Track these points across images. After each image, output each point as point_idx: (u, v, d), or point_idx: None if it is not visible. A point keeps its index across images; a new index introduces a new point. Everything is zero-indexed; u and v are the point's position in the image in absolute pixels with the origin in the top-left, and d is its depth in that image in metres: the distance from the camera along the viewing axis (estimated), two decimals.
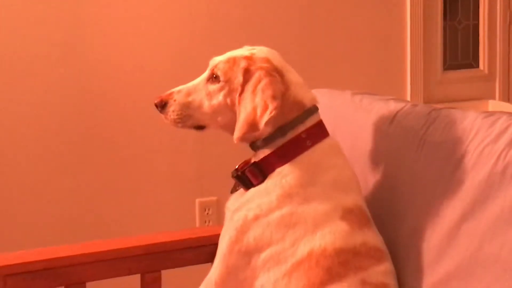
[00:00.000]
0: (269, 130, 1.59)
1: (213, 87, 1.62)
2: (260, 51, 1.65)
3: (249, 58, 1.62)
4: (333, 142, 1.65)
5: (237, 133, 1.58)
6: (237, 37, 2.80)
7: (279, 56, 1.66)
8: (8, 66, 2.80)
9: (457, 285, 1.50)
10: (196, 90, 1.66)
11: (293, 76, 1.64)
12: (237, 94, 1.60)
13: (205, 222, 3.05)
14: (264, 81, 1.57)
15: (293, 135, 1.59)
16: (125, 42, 2.96)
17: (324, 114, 1.67)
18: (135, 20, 2.96)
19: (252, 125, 1.57)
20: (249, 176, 1.62)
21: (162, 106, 1.66)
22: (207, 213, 3.07)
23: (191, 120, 1.67)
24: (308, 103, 1.62)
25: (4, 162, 2.84)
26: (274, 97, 1.55)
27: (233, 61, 1.63)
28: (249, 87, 1.59)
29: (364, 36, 3.37)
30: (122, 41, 2.97)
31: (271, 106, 1.54)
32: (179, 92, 1.67)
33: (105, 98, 2.92)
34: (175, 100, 1.65)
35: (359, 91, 2.02)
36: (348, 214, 1.57)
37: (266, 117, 1.54)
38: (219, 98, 1.62)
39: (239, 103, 1.60)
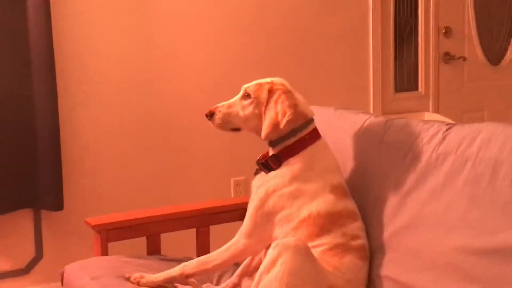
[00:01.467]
0: (285, 131, 1.86)
1: (246, 102, 1.90)
2: (276, 79, 1.93)
3: (270, 83, 1.90)
4: (323, 141, 1.92)
5: (265, 131, 1.85)
6: (254, 72, 3.14)
7: (288, 83, 1.93)
8: (114, 90, 3.19)
9: (405, 234, 1.76)
10: (234, 104, 1.92)
11: (298, 96, 1.91)
12: (263, 106, 1.87)
13: (237, 194, 3.44)
14: (283, 96, 1.85)
15: (300, 136, 1.87)
16: (185, 75, 3.37)
17: (317, 123, 1.94)
18: (191, 62, 3.37)
19: (275, 125, 1.83)
20: (270, 163, 1.88)
21: (210, 115, 1.92)
22: (239, 188, 3.47)
23: (230, 124, 1.93)
24: (309, 114, 1.91)
25: (109, 153, 3.22)
26: (290, 107, 1.83)
27: (260, 84, 1.91)
28: (272, 100, 1.86)
29: (340, 67, 3.76)
30: (183, 74, 3.35)
31: (289, 112, 1.82)
32: (222, 106, 1.93)
33: (170, 110, 3.34)
34: (219, 111, 1.91)
35: (338, 107, 2.30)
36: (334, 189, 1.83)
37: (285, 119, 1.82)
38: (250, 109, 1.90)
39: (264, 112, 1.86)
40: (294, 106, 1.87)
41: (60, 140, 2.99)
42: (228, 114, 1.93)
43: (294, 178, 1.85)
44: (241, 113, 1.93)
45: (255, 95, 1.91)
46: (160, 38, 3.30)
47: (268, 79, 1.95)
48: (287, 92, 1.89)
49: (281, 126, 1.84)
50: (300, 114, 1.89)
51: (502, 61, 4.41)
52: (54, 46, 2.98)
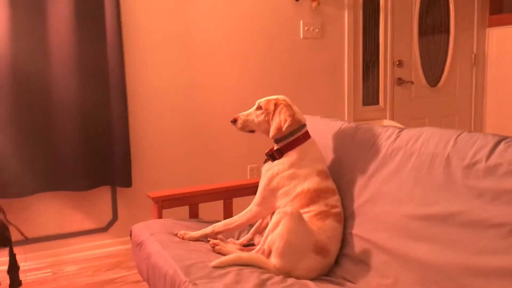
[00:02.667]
0: (286, 132, 1.85)
1: (259, 112, 1.90)
2: (281, 96, 1.92)
3: (276, 99, 1.89)
4: (313, 140, 1.92)
5: (272, 132, 1.85)
6: (265, 91, 3.22)
7: (289, 99, 1.93)
8: (168, 101, 3.15)
9: (369, 205, 1.75)
10: (250, 114, 1.92)
11: (295, 108, 1.90)
12: (271, 115, 1.87)
13: (252, 176, 3.42)
14: (285, 109, 1.85)
15: (296, 136, 1.87)
16: (217, 91, 3.32)
17: (308, 127, 1.94)
18: (221, 82, 3.32)
19: (279, 129, 1.84)
20: (275, 155, 1.88)
21: (234, 121, 1.92)
22: (253, 172, 3.43)
23: (248, 128, 1.92)
24: (302, 121, 1.90)
25: (163, 147, 3.19)
26: (289, 115, 1.83)
27: (268, 100, 1.91)
28: (277, 111, 1.86)
29: (324, 88, 3.68)
30: (215, 90, 3.32)
31: (288, 119, 1.83)
32: (242, 115, 1.93)
33: (206, 116, 3.29)
34: (240, 118, 1.92)
35: (323, 116, 2.28)
36: (319, 173, 1.83)
37: (286, 124, 1.82)
38: (262, 117, 1.89)
39: (271, 119, 1.86)
40: (292, 115, 1.85)
41: (129, 137, 3.01)
42: (246, 120, 1.93)
43: (292, 165, 1.84)
44: (256, 120, 1.92)
45: (265, 107, 1.90)
46: (201, 66, 3.29)
47: (275, 96, 1.94)
48: (287, 106, 1.88)
49: (283, 129, 1.83)
50: (296, 120, 1.88)
51: (438, 84, 4.40)
52: (125, 72, 3.01)
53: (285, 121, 1.83)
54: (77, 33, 2.77)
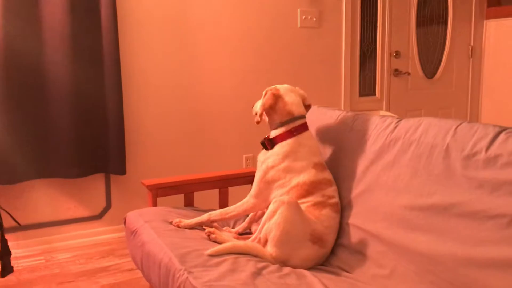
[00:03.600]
0: (275, 121, 1.82)
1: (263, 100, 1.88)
2: (282, 86, 1.87)
3: (271, 89, 1.86)
4: (309, 133, 1.86)
5: (255, 120, 1.85)
6: (264, 81, 3.19)
7: (288, 88, 1.85)
8: (163, 88, 3.00)
9: (366, 195, 1.73)
10: (258, 103, 1.92)
11: (289, 99, 1.82)
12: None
13: (247, 165, 3.41)
14: (265, 98, 1.83)
15: (287, 128, 1.81)
16: (213, 81, 3.27)
17: (306, 116, 1.90)
18: (217, 72, 3.25)
19: (255, 116, 1.86)
20: (266, 144, 1.85)
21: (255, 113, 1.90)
22: (248, 162, 3.42)
23: (256, 116, 1.87)
24: (296, 113, 1.82)
25: (158, 135, 3.16)
26: (263, 105, 1.82)
27: (267, 89, 1.89)
28: (262, 98, 1.87)
29: (323, 78, 3.68)
30: (212, 81, 3.28)
31: (261, 109, 1.83)
32: (255, 105, 1.94)
33: (202, 105, 3.22)
34: (253, 109, 1.93)
35: (321, 106, 2.23)
36: (315, 166, 1.79)
37: (258, 114, 1.83)
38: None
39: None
40: (270, 106, 1.81)
41: (124, 125, 2.98)
42: (255, 108, 1.94)
43: (285, 157, 1.80)
44: (259, 109, 1.90)
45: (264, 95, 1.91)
46: (198, 55, 3.26)
47: (275, 86, 1.90)
48: (274, 95, 1.83)
49: (257, 118, 1.83)
50: (286, 112, 1.83)
51: (435, 76, 4.40)
52: (121, 57, 2.97)
53: (260, 110, 1.83)
54: (71, 16, 2.73)
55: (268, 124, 1.90)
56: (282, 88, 1.89)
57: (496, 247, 1.27)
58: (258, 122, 1.85)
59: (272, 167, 1.80)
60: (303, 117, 1.87)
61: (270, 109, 1.83)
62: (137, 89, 3.11)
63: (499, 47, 4.41)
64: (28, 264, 2.74)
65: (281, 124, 1.83)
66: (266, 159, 1.84)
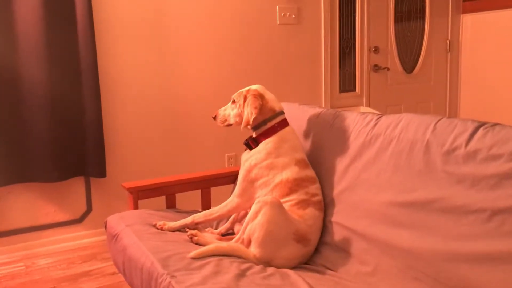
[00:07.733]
0: (259, 121, 1.83)
1: (233, 106, 1.90)
2: (254, 86, 1.89)
3: (247, 91, 1.86)
4: (290, 128, 1.88)
5: (242, 125, 1.84)
6: (243, 80, 3.20)
7: (262, 87, 1.89)
8: (141, 90, 2.92)
9: (348, 193, 1.73)
10: (227, 108, 1.93)
11: (268, 96, 1.86)
12: (242, 108, 1.85)
13: (230, 165, 3.40)
14: (252, 101, 1.81)
15: (270, 125, 1.83)
16: (192, 80, 3.23)
17: (287, 114, 1.92)
18: (195, 72, 3.20)
19: (247, 122, 1.82)
20: (250, 143, 1.86)
21: (214, 117, 1.95)
22: (231, 161, 3.41)
23: (226, 122, 1.93)
24: (277, 109, 1.86)
25: (138, 137, 3.14)
26: (255, 107, 1.80)
27: (240, 92, 1.88)
28: (245, 104, 1.84)
29: (303, 75, 3.66)
30: (190, 80, 3.23)
31: (254, 112, 1.80)
32: (221, 110, 1.94)
33: (181, 105, 3.16)
34: (219, 114, 1.94)
35: (301, 103, 2.24)
36: (298, 162, 1.79)
37: (252, 117, 1.80)
38: (235, 111, 1.89)
39: (242, 112, 1.85)
40: (260, 106, 1.82)
41: (102, 128, 2.94)
42: (224, 115, 1.95)
43: (269, 154, 1.81)
44: (231, 114, 1.92)
45: (237, 100, 1.90)
46: (175, 56, 3.24)
47: (247, 88, 1.90)
48: (256, 96, 1.84)
49: (250, 122, 1.81)
50: (268, 109, 1.85)
51: (414, 71, 4.44)
52: (98, 60, 2.93)
53: (251, 113, 1.80)
54: (46, 20, 2.68)
55: (244, 126, 1.89)
56: (258, 87, 1.90)
57: (477, 241, 1.28)
58: (247, 126, 1.85)
59: (255, 165, 1.80)
60: (283, 112, 1.89)
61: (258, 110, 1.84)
62: (116, 91, 3.07)
63: (475, 41, 4.47)
64: (8, 271, 2.69)
65: (264, 122, 1.84)
66: (249, 157, 1.84)
